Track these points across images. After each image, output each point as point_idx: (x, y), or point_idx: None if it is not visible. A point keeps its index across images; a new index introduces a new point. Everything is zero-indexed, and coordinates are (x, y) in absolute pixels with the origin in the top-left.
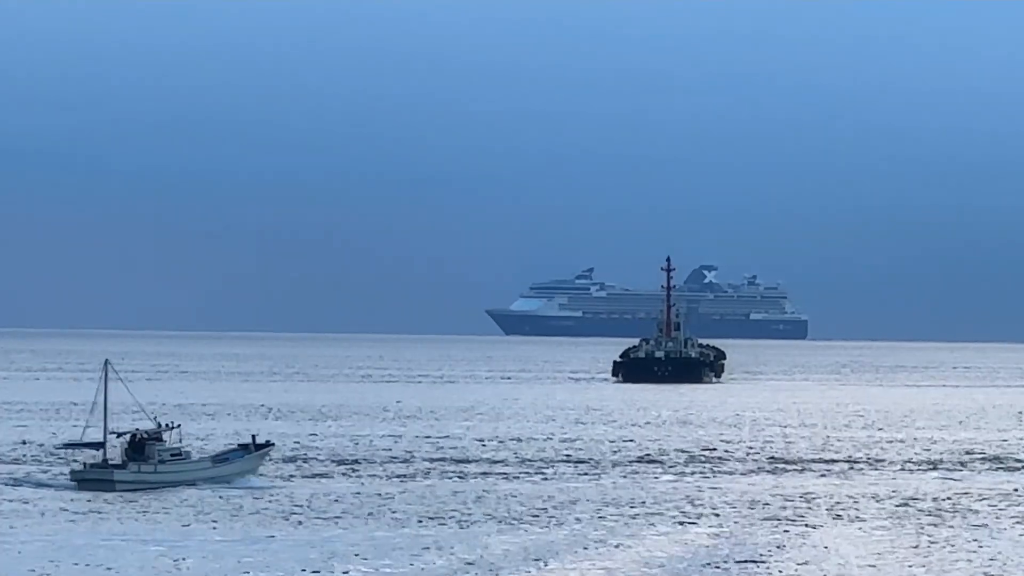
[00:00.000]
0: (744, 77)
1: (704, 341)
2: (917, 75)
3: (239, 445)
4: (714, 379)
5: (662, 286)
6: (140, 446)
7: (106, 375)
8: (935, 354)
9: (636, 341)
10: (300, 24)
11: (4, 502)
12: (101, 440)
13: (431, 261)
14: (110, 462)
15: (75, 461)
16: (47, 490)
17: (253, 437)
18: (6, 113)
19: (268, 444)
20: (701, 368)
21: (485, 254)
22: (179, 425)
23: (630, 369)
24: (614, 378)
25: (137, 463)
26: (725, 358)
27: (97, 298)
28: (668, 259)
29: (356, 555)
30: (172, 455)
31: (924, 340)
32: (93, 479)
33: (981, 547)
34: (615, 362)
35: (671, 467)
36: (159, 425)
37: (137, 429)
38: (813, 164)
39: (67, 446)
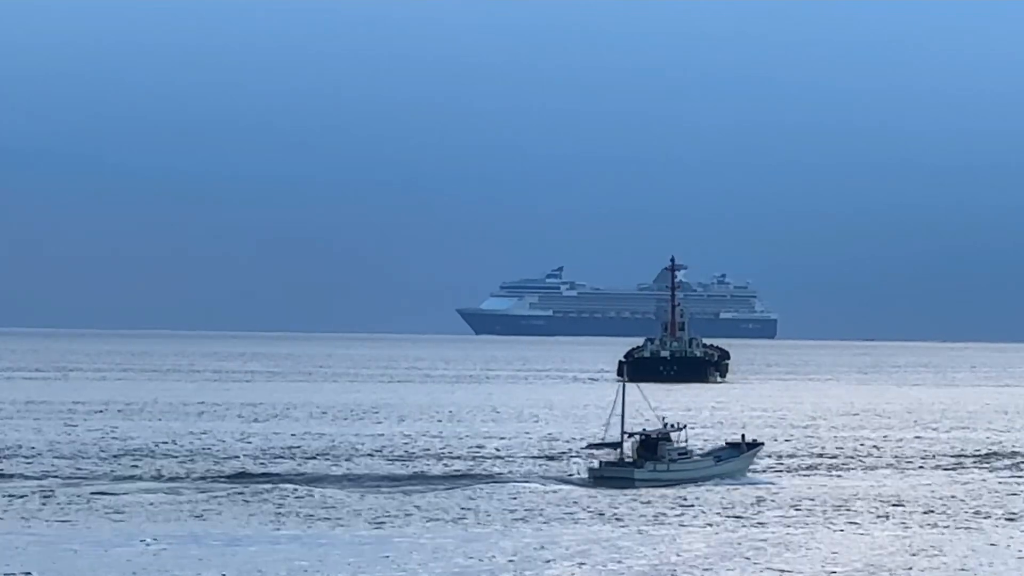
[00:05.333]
0: (720, 77)
1: (708, 341)
2: (899, 76)
3: (727, 443)
4: (719, 379)
5: (667, 286)
6: (652, 445)
7: (624, 378)
8: (936, 354)
9: (639, 341)
10: (299, 26)
11: (528, 496)
12: (619, 440)
13: (401, 260)
14: (625, 461)
15: (592, 460)
16: (569, 487)
17: (743, 436)
18: (6, 113)
19: (758, 443)
20: (706, 368)
21: (455, 253)
22: (685, 426)
23: (635, 368)
24: (619, 378)
25: (652, 462)
26: (729, 358)
27: (97, 298)
28: (672, 259)
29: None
30: (680, 454)
31: (897, 340)
32: (612, 477)
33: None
34: (620, 362)
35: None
36: (665, 425)
37: (644, 429)
38: (782, 164)
39: (591, 446)
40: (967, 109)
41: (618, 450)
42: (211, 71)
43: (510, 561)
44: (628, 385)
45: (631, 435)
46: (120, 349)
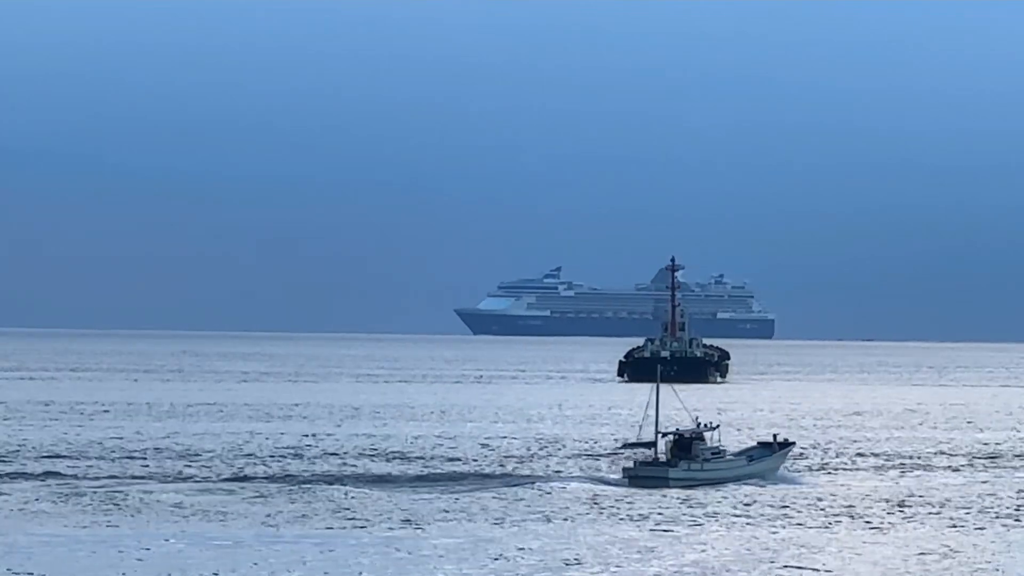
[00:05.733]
0: (720, 77)
1: (708, 341)
2: (899, 76)
3: (759, 443)
4: (719, 379)
5: (666, 286)
6: (687, 445)
7: (659, 377)
8: (936, 354)
9: (637, 341)
10: (299, 26)
11: (564, 495)
12: (654, 440)
13: (399, 260)
14: (659, 461)
15: (626, 460)
16: (604, 486)
17: (774, 436)
18: (6, 113)
19: (789, 443)
20: (706, 368)
21: (453, 253)
22: (718, 426)
23: (635, 369)
24: (619, 378)
25: (686, 461)
26: (729, 358)
27: (97, 298)
28: (672, 259)
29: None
30: (713, 454)
31: (896, 340)
32: (647, 476)
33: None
34: (621, 362)
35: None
36: (698, 425)
37: (677, 429)
38: (781, 164)
39: (626, 446)
40: (967, 109)
41: (652, 450)
42: (211, 71)
43: (542, 561)
44: (632, 384)
45: (665, 435)
46: (121, 349)
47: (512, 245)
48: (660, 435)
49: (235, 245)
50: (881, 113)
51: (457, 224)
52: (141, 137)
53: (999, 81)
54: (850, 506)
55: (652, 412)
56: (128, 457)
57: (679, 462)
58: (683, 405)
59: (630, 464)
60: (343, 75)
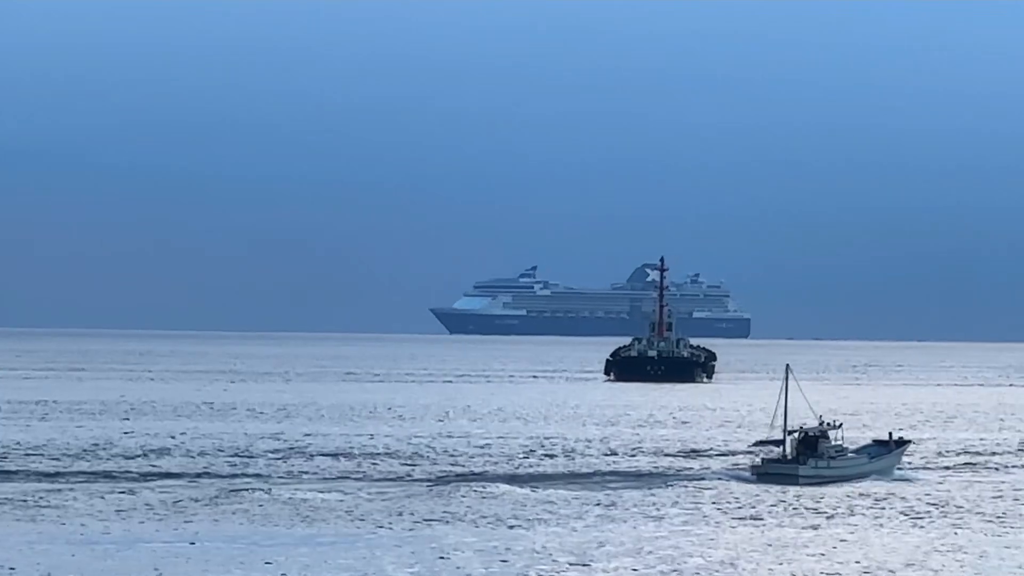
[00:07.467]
0: (708, 77)
1: (695, 341)
2: (899, 76)
3: (874, 441)
4: (705, 379)
5: (653, 285)
6: (813, 443)
7: (787, 378)
8: (925, 354)
9: (616, 340)
10: (299, 26)
11: (700, 492)
12: (782, 438)
13: (373, 259)
14: (787, 458)
15: (754, 457)
16: (733, 483)
17: (890, 434)
18: (6, 113)
19: (905, 440)
20: (693, 368)
21: (428, 252)
22: (841, 424)
23: (623, 368)
24: (606, 377)
25: (814, 459)
26: (716, 359)
27: (97, 298)
28: (661, 259)
29: None
30: (837, 451)
31: (870, 339)
32: (776, 473)
33: None
34: (608, 360)
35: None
36: (822, 423)
37: (801, 426)
38: (755, 164)
39: (757, 443)
40: (964, 109)
41: (781, 447)
42: (211, 71)
43: (681, 557)
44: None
45: (791, 432)
46: (122, 349)
47: (488, 244)
48: (789, 433)
49: (229, 246)
50: (871, 113)
51: (432, 223)
52: (140, 137)
53: (999, 81)
54: (984, 504)
55: (780, 410)
56: (244, 456)
57: (807, 459)
58: (807, 403)
59: (758, 461)
60: (340, 75)
